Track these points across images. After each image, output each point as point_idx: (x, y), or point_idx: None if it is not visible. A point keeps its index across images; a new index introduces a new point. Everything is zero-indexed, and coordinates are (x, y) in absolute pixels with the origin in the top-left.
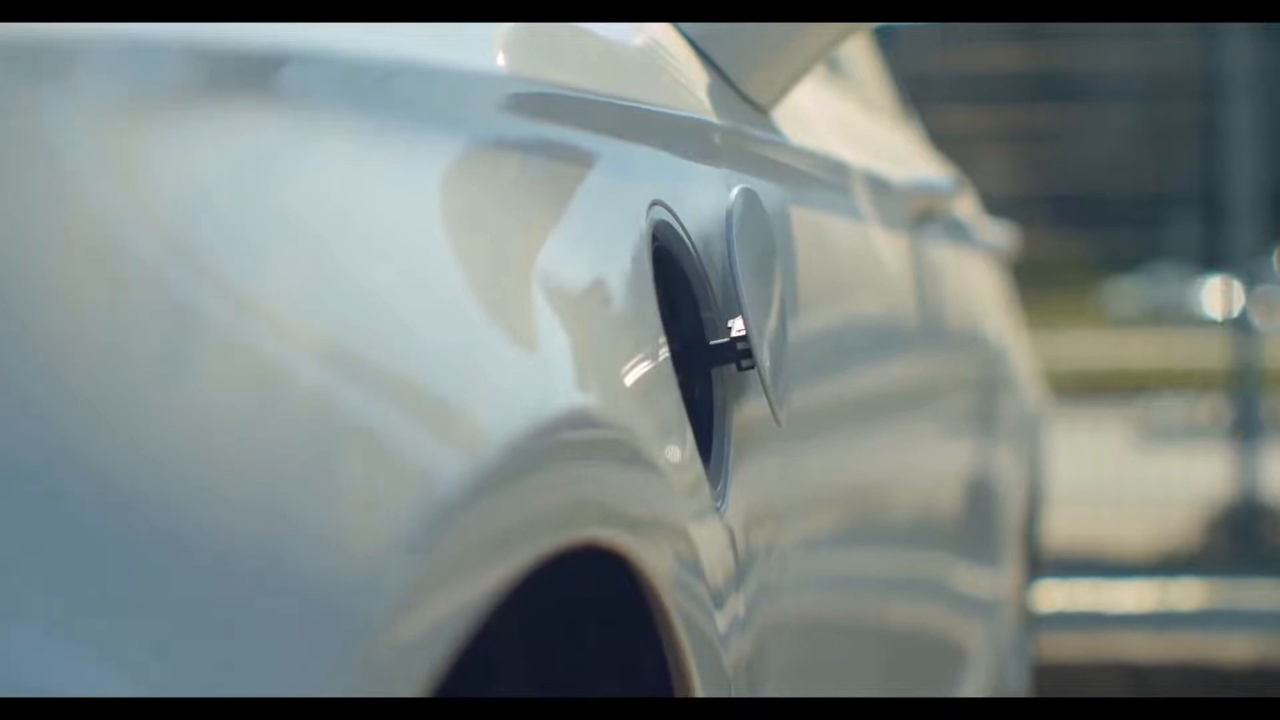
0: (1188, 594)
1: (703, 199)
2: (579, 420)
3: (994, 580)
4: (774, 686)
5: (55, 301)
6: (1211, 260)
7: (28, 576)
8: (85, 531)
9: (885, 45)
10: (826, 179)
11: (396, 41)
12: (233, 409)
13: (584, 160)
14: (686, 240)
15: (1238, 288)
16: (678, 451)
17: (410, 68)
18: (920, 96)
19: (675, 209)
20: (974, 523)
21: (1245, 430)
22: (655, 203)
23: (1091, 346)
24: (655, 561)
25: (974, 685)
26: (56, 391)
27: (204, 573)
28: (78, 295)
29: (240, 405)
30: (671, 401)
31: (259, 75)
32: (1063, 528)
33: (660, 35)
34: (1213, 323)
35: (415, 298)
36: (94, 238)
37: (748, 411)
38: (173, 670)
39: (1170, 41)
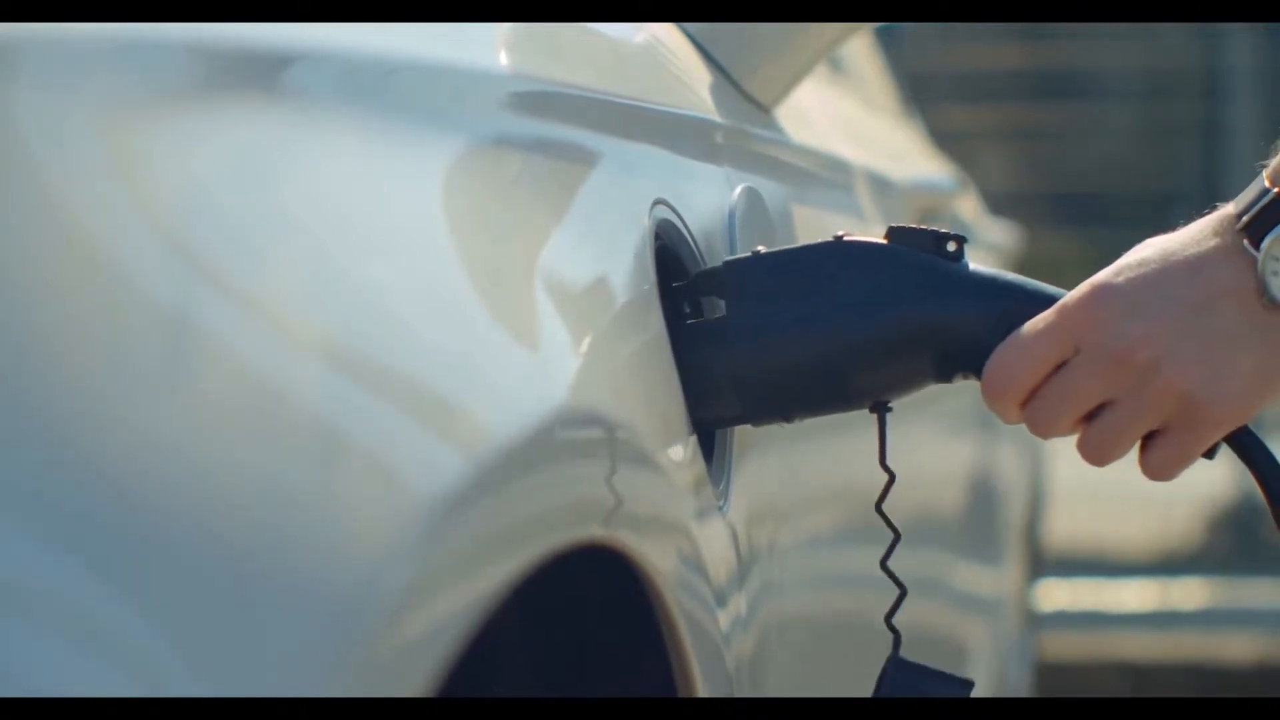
0: (1189, 593)
1: (705, 198)
2: (581, 419)
3: (996, 579)
4: (776, 685)
5: (55, 300)
6: None
7: (28, 576)
8: (84, 532)
9: (887, 44)
10: (829, 178)
11: (397, 40)
12: (233, 409)
13: (586, 159)
14: (689, 239)
15: None
16: (680, 450)
17: (411, 66)
18: (922, 95)
19: (678, 207)
20: (976, 522)
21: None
22: (658, 201)
23: None
24: (658, 560)
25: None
26: (54, 391)
27: (204, 572)
28: (77, 294)
29: (240, 405)
30: (674, 400)
31: (260, 73)
32: (1064, 527)
33: (662, 34)
34: None
35: (416, 297)
36: (94, 236)
37: None
38: (174, 670)
39: (1171, 41)
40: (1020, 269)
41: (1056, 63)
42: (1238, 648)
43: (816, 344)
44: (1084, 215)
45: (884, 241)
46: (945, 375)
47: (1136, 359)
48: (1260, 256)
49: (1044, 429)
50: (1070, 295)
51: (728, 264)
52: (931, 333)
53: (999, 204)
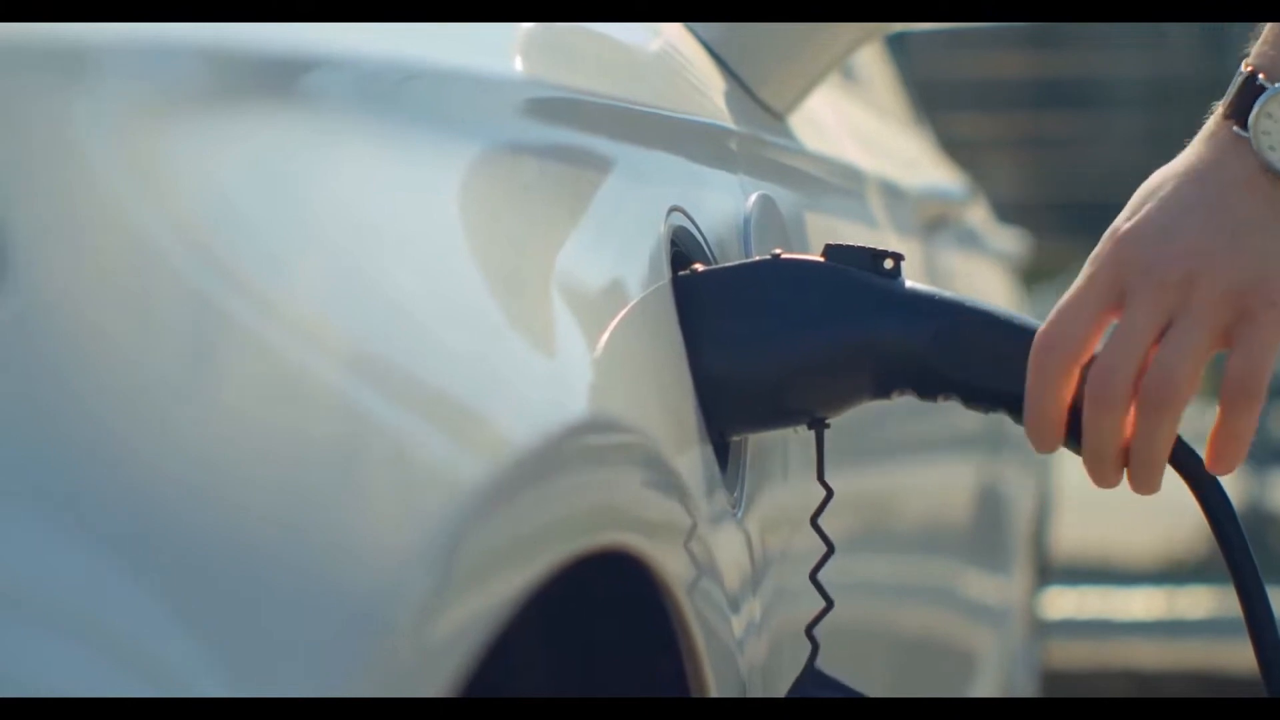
0: (1196, 602)
1: (720, 205)
2: (598, 425)
3: (1003, 587)
4: (788, 691)
5: (77, 305)
6: None
7: (46, 577)
8: (106, 535)
9: (897, 52)
10: (841, 185)
11: (415, 45)
12: (254, 415)
13: (601, 165)
14: (705, 246)
15: None
16: (695, 456)
17: (428, 72)
18: (931, 103)
19: (693, 214)
20: (984, 530)
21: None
22: (673, 208)
23: None
24: (672, 566)
25: (982, 691)
26: (78, 396)
27: (225, 576)
28: (100, 298)
29: (262, 411)
30: (689, 406)
31: (279, 79)
32: (1071, 535)
33: (677, 41)
34: None
35: (434, 303)
36: (116, 241)
37: None
38: (195, 672)
39: (1179, 48)
40: (1027, 277)
41: (1064, 71)
42: (1244, 656)
43: (753, 361)
44: (1091, 223)
45: (821, 259)
46: (883, 392)
47: (1175, 275)
48: (1251, 134)
49: (1104, 386)
50: (1096, 250)
51: (673, 280)
52: (867, 350)
53: (1006, 212)
